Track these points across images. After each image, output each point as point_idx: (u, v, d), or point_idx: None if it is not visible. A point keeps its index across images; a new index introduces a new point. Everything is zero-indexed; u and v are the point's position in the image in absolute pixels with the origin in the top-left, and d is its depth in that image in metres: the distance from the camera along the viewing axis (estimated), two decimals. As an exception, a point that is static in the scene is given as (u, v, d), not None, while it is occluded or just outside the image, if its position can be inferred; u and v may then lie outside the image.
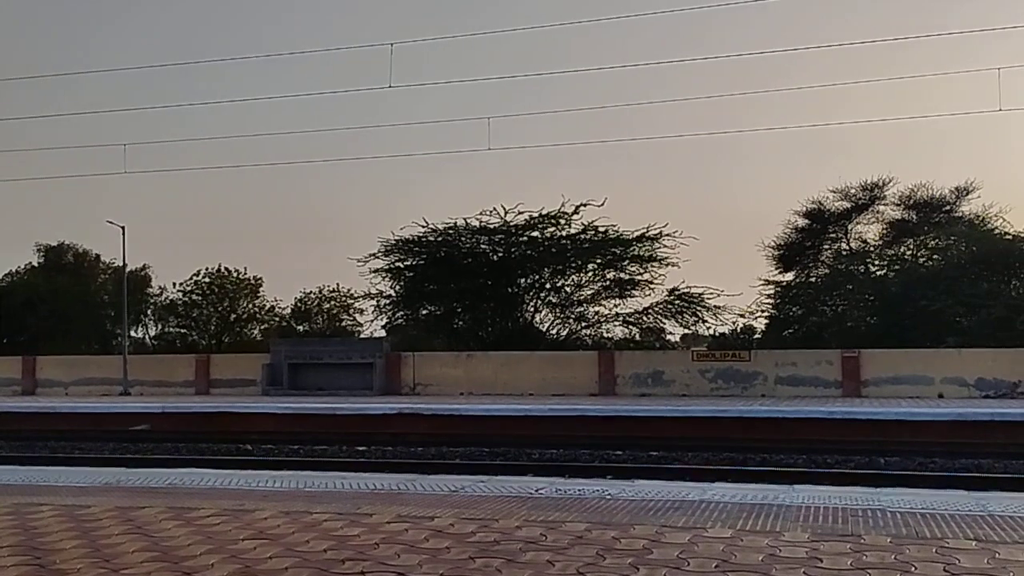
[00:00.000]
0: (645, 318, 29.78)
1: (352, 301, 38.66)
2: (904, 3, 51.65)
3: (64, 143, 57.87)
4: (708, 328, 30.65)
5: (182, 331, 39.88)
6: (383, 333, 31.52)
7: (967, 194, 29.83)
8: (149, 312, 39.82)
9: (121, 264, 31.01)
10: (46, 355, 29.19)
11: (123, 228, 27.88)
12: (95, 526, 5.57)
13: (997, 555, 4.56)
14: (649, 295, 29.63)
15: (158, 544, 4.98)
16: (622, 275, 29.68)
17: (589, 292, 30.09)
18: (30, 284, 37.26)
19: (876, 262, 30.22)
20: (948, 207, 30.18)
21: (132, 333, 37.18)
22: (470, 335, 30.65)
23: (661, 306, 29.47)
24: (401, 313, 31.61)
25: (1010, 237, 26.86)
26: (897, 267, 29.18)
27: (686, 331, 31.52)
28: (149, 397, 24.85)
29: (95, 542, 5.06)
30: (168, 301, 39.54)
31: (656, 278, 29.37)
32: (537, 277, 29.78)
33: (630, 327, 30.15)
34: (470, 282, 29.25)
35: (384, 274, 30.38)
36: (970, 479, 10.21)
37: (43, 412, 21.19)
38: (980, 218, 29.06)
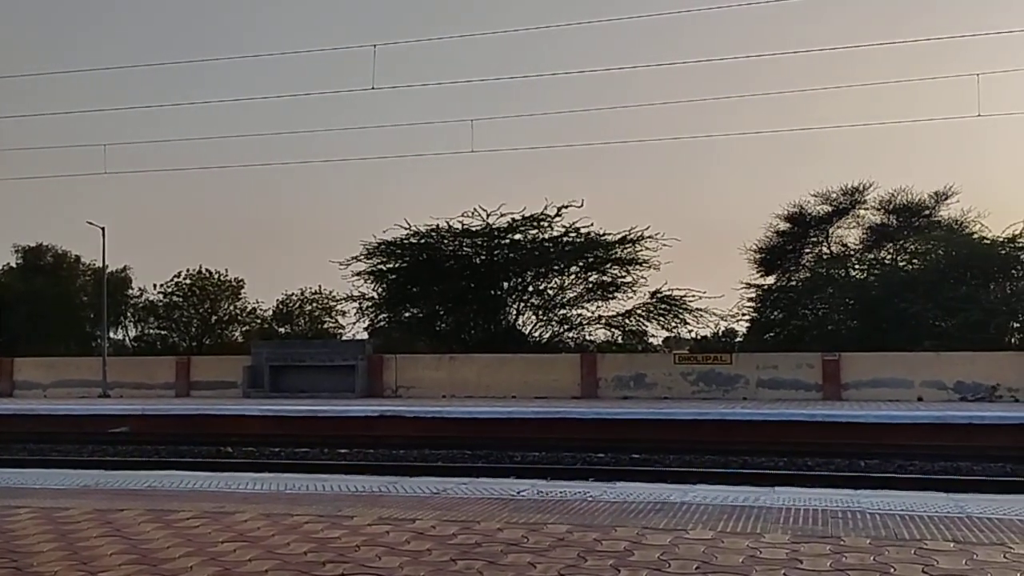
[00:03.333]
0: (627, 321, 29.85)
1: (334, 303, 38.54)
2: (885, 8, 52.10)
3: (43, 143, 57.46)
4: (690, 331, 30.83)
5: (162, 333, 39.58)
6: (365, 335, 31.43)
7: (946, 199, 30.19)
8: (129, 314, 39.48)
9: (101, 265, 30.77)
10: (24, 356, 28.91)
11: (103, 229, 27.73)
12: (73, 529, 5.52)
13: (975, 556, 4.60)
14: (631, 298, 29.77)
15: (137, 547, 4.94)
16: (604, 277, 29.75)
17: (572, 295, 30.15)
18: (8, 285, 36.90)
19: (856, 266, 30.43)
20: (927, 212, 30.49)
21: (112, 335, 36.84)
22: (453, 337, 30.63)
23: (643, 309, 29.57)
24: (383, 315, 31.54)
25: (988, 242, 27.08)
26: (877, 271, 29.39)
27: (668, 334, 31.66)
28: (129, 399, 24.66)
29: (73, 545, 5.02)
30: (148, 303, 39.23)
31: (638, 280, 29.50)
32: (520, 280, 29.79)
33: (612, 330, 30.22)
34: (453, 284, 29.22)
35: (366, 276, 30.33)
36: (949, 481, 10.28)
37: (21, 414, 20.99)
38: (959, 223, 29.34)
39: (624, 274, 29.56)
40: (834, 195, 30.94)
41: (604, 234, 28.96)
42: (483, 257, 29.44)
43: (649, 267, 29.17)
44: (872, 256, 30.47)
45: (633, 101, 57.90)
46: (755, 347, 28.62)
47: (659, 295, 29.25)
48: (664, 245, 28.76)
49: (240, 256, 62.01)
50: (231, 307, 39.60)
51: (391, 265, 30.19)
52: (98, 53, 57.18)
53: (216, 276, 39.07)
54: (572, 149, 60.10)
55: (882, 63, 50.68)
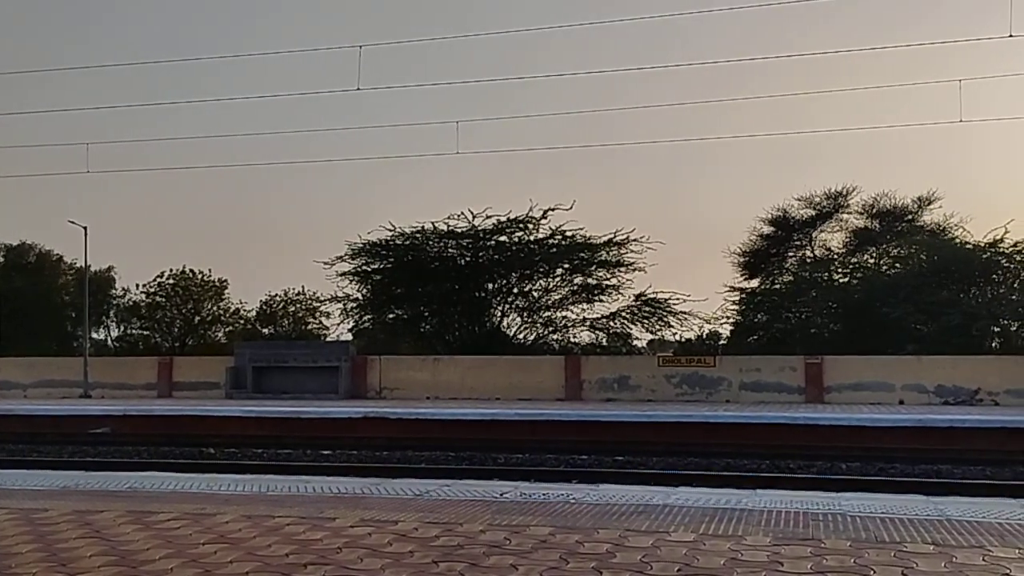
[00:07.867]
0: (612, 323, 29.89)
1: (318, 304, 38.41)
2: (868, 15, 52.44)
3: (26, 142, 57.02)
4: (674, 334, 30.92)
5: (145, 333, 39.38)
6: (349, 336, 31.34)
7: (929, 204, 30.44)
8: (112, 313, 39.28)
9: (83, 265, 30.58)
10: (4, 356, 28.66)
11: (85, 228, 27.54)
12: (52, 530, 5.48)
13: (954, 559, 4.63)
14: (616, 300, 29.81)
15: (116, 548, 4.91)
16: (590, 280, 29.77)
17: (557, 297, 30.17)
18: (-11, 284, 36.59)
19: (839, 270, 30.62)
20: (910, 216, 30.73)
21: (94, 335, 36.69)
22: (437, 339, 30.59)
23: (628, 311, 29.62)
24: (368, 317, 31.45)
25: (970, 247, 27.27)
26: (860, 275, 29.57)
27: (652, 336, 31.72)
28: (110, 400, 24.48)
29: (52, 546, 4.98)
30: (131, 303, 39.05)
31: (623, 283, 29.55)
32: (505, 282, 29.78)
33: (597, 332, 30.24)
34: (438, 286, 29.18)
35: (351, 277, 30.23)
36: (929, 484, 10.33)
37: (0, 414, 20.78)
38: (941, 228, 29.56)
39: (609, 277, 29.62)
40: (817, 199, 31.19)
41: (589, 237, 29.02)
42: (468, 259, 29.41)
43: (634, 270, 29.27)
44: (855, 260, 30.66)
45: (619, 104, 58.07)
46: (738, 350, 28.72)
47: (643, 298, 29.32)
48: (649, 248, 28.88)
49: (224, 256, 61.73)
50: (214, 307, 39.43)
51: (376, 266, 30.12)
52: (82, 52, 56.82)
53: (199, 276, 38.90)
54: (558, 151, 60.15)
55: (866, 69, 51.06)
